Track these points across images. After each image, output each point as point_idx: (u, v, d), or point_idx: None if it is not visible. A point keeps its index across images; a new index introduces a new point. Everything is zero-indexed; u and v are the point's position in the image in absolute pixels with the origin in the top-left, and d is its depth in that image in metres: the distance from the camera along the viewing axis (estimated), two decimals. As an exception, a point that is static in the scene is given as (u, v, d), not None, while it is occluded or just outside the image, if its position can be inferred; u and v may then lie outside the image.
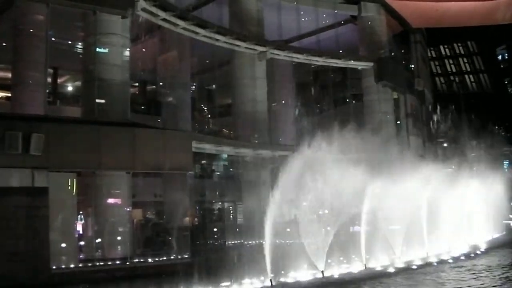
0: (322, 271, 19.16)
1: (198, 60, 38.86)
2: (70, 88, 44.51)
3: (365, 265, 21.36)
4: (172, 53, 36.61)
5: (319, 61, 40.39)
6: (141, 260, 25.12)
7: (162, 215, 33.48)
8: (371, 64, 42.28)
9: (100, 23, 27.51)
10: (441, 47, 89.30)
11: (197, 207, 35.07)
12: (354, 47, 45.14)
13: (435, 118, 52.94)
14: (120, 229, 26.27)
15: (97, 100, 26.98)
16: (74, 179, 24.68)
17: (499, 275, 19.38)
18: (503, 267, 21.45)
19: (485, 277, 19.05)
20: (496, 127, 40.77)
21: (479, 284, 17.54)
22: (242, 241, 28.36)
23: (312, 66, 42.74)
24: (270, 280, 17.60)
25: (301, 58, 39.43)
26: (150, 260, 25.11)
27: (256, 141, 34.84)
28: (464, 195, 29.71)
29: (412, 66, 51.87)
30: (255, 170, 34.58)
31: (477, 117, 46.25)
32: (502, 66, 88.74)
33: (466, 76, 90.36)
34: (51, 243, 21.78)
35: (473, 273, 19.92)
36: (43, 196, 21.61)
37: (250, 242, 26.87)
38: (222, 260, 22.29)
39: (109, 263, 24.21)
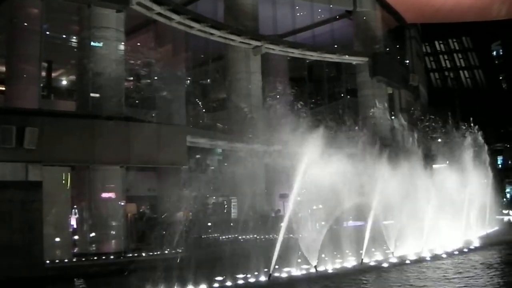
0: (315, 266, 19.24)
1: (192, 55, 38.81)
2: (64, 82, 44.39)
3: (362, 260, 21.44)
4: (166, 47, 36.60)
5: (313, 55, 40.45)
6: (135, 254, 25.09)
7: (156, 209, 33.48)
8: (366, 59, 42.42)
9: (94, 17, 27.46)
10: (436, 42, 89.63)
11: (191, 202, 35.04)
12: (349, 42, 45.26)
13: (429, 113, 53.00)
14: (114, 223, 26.28)
15: (92, 94, 26.95)
16: (68, 173, 24.65)
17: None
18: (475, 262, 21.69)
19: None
20: (489, 122, 40.90)
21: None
22: (236, 235, 28.38)
23: (307, 61, 42.79)
24: (269, 275, 17.67)
25: (296, 52, 39.47)
26: (144, 254, 25.09)
27: (251, 136, 34.83)
28: (458, 190, 29.76)
29: (407, 61, 52.05)
30: (249, 165, 34.58)
31: (472, 112, 46.40)
32: (497, 62, 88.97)
33: (461, 72, 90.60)
34: (44, 237, 21.70)
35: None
36: (37, 190, 21.52)
37: (244, 236, 26.93)
38: (217, 255, 22.31)
39: (103, 257, 24.20)
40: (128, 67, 31.29)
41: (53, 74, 42.54)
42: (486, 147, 35.09)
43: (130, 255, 24.90)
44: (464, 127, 33.95)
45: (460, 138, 32.77)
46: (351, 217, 25.25)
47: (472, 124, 34.14)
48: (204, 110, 46.87)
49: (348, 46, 44.74)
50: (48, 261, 21.97)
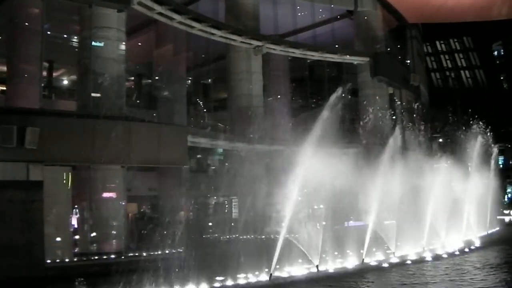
0: (317, 266, 19.25)
1: (193, 54, 38.78)
2: (65, 82, 44.41)
3: (363, 259, 21.45)
4: (167, 47, 36.57)
5: (314, 55, 40.36)
6: (136, 254, 25.05)
7: (157, 209, 33.46)
8: (367, 59, 42.31)
9: (95, 17, 27.40)
10: (437, 42, 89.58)
11: (192, 201, 35.06)
12: (350, 42, 45.17)
13: (430, 113, 53.03)
14: (115, 223, 26.25)
15: (92, 94, 26.89)
16: (69, 173, 24.66)
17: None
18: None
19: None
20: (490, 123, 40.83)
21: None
22: (237, 235, 28.40)
23: (308, 61, 42.74)
24: (270, 274, 17.67)
25: (297, 52, 39.37)
26: (144, 254, 25.05)
27: (252, 136, 34.80)
28: (459, 190, 29.77)
29: (408, 61, 51.94)
30: (250, 165, 34.53)
31: (472, 112, 46.37)
32: (498, 62, 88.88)
33: (462, 72, 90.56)
34: (45, 237, 21.73)
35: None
36: (37, 190, 21.56)
37: (245, 236, 26.92)
38: (217, 255, 22.30)
39: (104, 257, 24.19)
40: (129, 67, 31.23)
41: (54, 74, 42.57)
42: (490, 146, 35.09)
43: (131, 254, 24.87)
44: (464, 127, 33.96)
45: (461, 138, 32.80)
46: (352, 217, 25.28)
47: (471, 119, 34.11)
48: (205, 110, 46.87)
49: (349, 46, 44.67)
50: (48, 261, 21.99)
